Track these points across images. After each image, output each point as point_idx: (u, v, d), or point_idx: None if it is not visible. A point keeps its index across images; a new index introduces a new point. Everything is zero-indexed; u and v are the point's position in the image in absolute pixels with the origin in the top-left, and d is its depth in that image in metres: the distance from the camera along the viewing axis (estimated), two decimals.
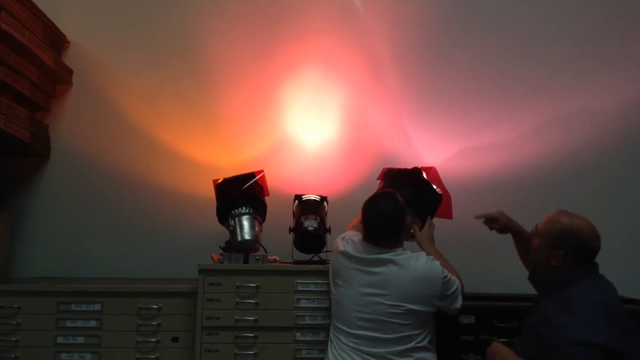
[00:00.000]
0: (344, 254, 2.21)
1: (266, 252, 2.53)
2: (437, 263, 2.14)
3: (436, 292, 2.08)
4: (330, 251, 2.58)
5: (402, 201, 2.20)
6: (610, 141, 3.12)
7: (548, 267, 1.86)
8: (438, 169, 2.66)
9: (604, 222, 2.76)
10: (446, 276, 2.11)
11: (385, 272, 2.10)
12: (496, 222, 2.23)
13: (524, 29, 3.18)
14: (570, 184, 3.08)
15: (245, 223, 2.52)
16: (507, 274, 2.89)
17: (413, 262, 2.11)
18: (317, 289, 2.38)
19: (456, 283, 2.15)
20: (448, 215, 2.60)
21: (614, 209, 3.04)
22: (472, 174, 3.09)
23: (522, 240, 2.23)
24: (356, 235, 2.28)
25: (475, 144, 3.12)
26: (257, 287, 2.37)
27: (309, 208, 2.61)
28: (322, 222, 2.56)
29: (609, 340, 1.60)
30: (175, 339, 2.40)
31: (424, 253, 2.21)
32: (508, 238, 3.01)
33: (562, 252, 1.81)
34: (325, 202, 2.71)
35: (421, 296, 2.07)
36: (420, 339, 2.06)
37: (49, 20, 2.88)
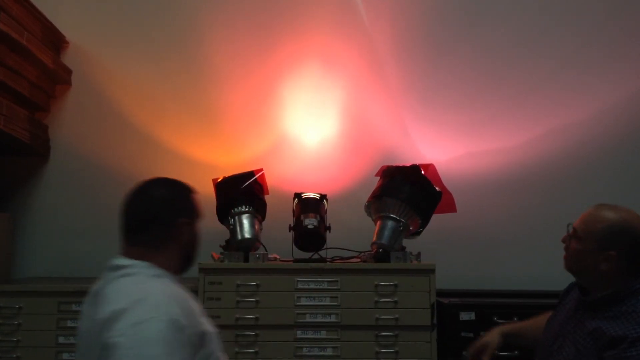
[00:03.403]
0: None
1: (266, 251, 2.54)
2: None
3: None
4: (332, 248, 2.58)
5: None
6: (622, 137, 3.10)
7: (594, 273, 1.58)
8: (439, 167, 2.67)
9: None
10: None
11: None
12: (490, 345, 1.87)
13: (529, 22, 3.16)
14: (578, 182, 3.06)
15: (245, 222, 2.52)
16: (507, 271, 2.92)
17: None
18: (318, 287, 2.38)
19: None
20: (452, 209, 2.61)
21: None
22: (475, 171, 3.08)
23: (522, 337, 1.92)
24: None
25: (479, 140, 3.11)
26: (257, 285, 2.37)
27: (308, 206, 2.61)
28: (322, 220, 2.56)
29: None
30: None
31: None
32: (509, 236, 3.02)
33: (615, 253, 1.53)
34: (325, 200, 2.71)
35: None
36: None
37: (47, 20, 2.88)
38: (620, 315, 1.50)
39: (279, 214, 2.76)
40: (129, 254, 1.48)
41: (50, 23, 2.92)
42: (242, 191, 2.57)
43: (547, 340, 1.74)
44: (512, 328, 1.94)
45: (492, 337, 1.89)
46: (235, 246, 2.49)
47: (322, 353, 2.34)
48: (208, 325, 1.42)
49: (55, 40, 3.03)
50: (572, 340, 1.60)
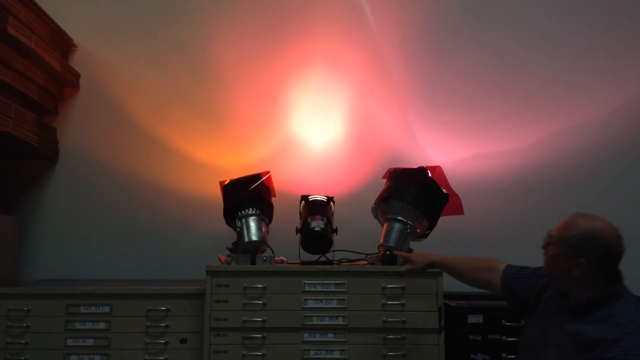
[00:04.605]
0: None
1: (273, 253, 2.54)
2: None
3: None
4: (339, 250, 2.58)
5: None
6: (628, 139, 3.09)
7: (569, 279, 1.65)
8: (446, 169, 2.66)
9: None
10: None
11: None
12: (413, 264, 2.16)
13: (535, 25, 3.16)
14: (584, 183, 3.06)
15: (252, 224, 2.52)
16: None
17: None
18: (325, 289, 2.38)
19: None
20: (459, 211, 2.60)
21: (628, 212, 3.03)
22: (481, 173, 3.08)
23: (450, 269, 2.12)
24: None
25: (484, 142, 3.10)
26: (264, 288, 2.37)
27: (315, 208, 2.61)
28: (328, 222, 2.56)
29: None
30: (183, 340, 2.41)
31: None
32: (516, 239, 3.01)
33: (585, 261, 1.59)
34: (331, 203, 2.71)
35: None
36: None
37: (55, 24, 2.90)
38: (598, 320, 1.57)
39: (286, 217, 2.76)
40: None
41: (59, 27, 2.94)
42: (249, 193, 2.57)
43: (530, 340, 1.81)
44: (443, 259, 2.13)
45: (420, 262, 2.14)
46: (242, 248, 2.49)
47: (329, 356, 2.33)
48: None
49: (63, 44, 3.05)
50: (555, 342, 1.67)
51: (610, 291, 1.60)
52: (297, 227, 2.57)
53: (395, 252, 2.35)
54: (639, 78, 3.11)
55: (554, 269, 1.70)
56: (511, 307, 1.98)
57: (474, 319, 2.39)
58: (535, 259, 2.78)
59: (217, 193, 2.73)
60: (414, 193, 2.48)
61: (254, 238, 2.49)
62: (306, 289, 2.38)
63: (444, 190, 2.53)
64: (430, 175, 2.56)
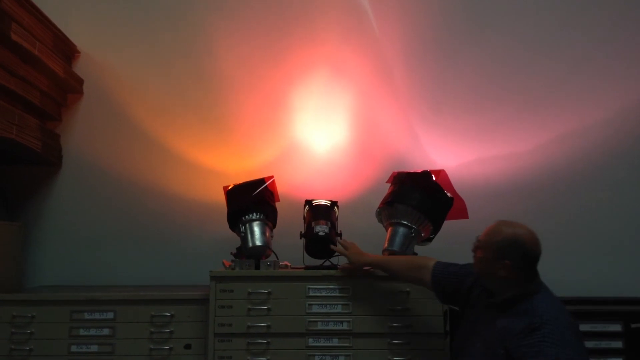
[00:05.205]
0: None
1: (277, 258, 2.53)
2: None
3: None
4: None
5: None
6: (631, 142, 3.08)
7: (495, 278, 1.85)
8: (449, 172, 2.65)
9: (619, 228, 2.71)
10: None
11: None
12: (351, 264, 2.34)
13: (538, 28, 3.16)
14: (587, 187, 3.05)
15: (256, 229, 2.51)
16: None
17: None
18: (329, 294, 2.37)
19: None
20: (464, 215, 2.59)
21: (631, 214, 3.02)
22: (485, 177, 3.07)
23: (385, 268, 2.29)
24: None
25: (488, 145, 3.10)
26: (268, 293, 2.36)
27: (319, 213, 2.61)
28: (333, 227, 2.55)
29: (584, 347, 1.74)
30: (188, 346, 2.40)
31: None
32: None
33: (509, 262, 1.80)
34: (335, 207, 2.70)
35: None
36: None
37: (58, 30, 2.90)
38: (520, 313, 1.78)
39: (290, 221, 2.75)
40: None
41: (62, 33, 2.94)
42: (253, 198, 2.56)
43: (460, 338, 2.00)
44: (379, 259, 2.33)
45: (357, 262, 2.32)
46: (246, 253, 2.48)
47: None
48: None
49: (67, 50, 3.06)
50: (482, 338, 1.86)
51: (530, 288, 1.81)
52: (301, 232, 2.56)
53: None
54: None
55: (483, 270, 1.90)
56: (443, 302, 2.22)
57: None
58: (540, 261, 2.77)
59: (221, 198, 2.73)
60: (418, 197, 2.47)
61: (258, 243, 2.48)
62: (311, 293, 2.37)
63: (448, 194, 2.52)
64: (434, 179, 2.55)
